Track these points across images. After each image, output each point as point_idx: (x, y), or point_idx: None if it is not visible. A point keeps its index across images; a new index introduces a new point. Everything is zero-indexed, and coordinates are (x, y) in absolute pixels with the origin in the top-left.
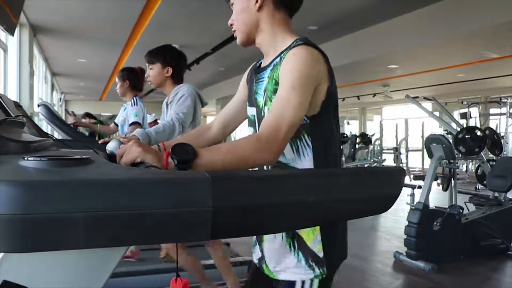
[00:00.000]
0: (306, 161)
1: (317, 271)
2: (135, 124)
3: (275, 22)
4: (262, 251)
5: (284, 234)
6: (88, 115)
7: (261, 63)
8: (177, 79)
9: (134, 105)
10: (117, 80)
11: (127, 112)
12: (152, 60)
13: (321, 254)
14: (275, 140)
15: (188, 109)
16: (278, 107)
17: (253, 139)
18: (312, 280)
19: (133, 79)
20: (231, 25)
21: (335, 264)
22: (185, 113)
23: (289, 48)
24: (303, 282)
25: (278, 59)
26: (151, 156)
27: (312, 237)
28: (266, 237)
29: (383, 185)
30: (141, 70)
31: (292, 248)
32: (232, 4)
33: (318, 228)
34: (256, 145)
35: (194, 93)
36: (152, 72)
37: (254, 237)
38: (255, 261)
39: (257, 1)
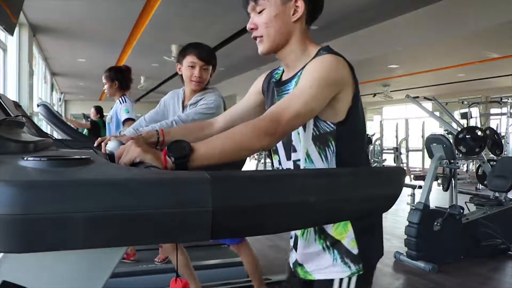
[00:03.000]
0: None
1: (353, 268)
2: (129, 120)
3: (306, 35)
4: (297, 254)
5: (316, 236)
6: (97, 109)
7: (280, 74)
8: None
9: (123, 102)
10: (104, 80)
11: (115, 110)
12: (211, 61)
13: (355, 251)
14: (275, 122)
15: (202, 118)
16: (288, 98)
17: (251, 122)
18: (349, 278)
19: (121, 79)
20: (252, 29)
21: (371, 260)
22: (193, 120)
23: (314, 58)
24: (340, 280)
25: (302, 71)
26: (150, 156)
27: (344, 235)
28: (300, 244)
29: (384, 185)
30: (127, 68)
31: (326, 248)
32: (258, 10)
33: (349, 226)
34: (253, 127)
35: (219, 104)
36: (206, 74)
37: (292, 243)
38: (291, 265)
39: (295, 11)
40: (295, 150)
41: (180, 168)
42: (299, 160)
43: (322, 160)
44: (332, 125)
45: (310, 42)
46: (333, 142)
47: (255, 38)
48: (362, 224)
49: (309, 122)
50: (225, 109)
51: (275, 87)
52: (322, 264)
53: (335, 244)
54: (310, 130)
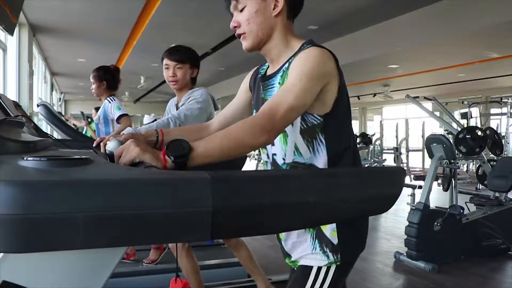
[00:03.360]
0: (320, 158)
1: (331, 258)
2: (123, 116)
3: (288, 29)
4: (283, 246)
5: None
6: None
7: (265, 70)
8: (193, 82)
9: (112, 101)
10: (92, 80)
11: (104, 110)
12: (182, 59)
13: (335, 241)
14: (271, 118)
15: (194, 112)
16: (280, 93)
17: (248, 120)
18: (327, 267)
19: (110, 79)
20: (235, 27)
21: (350, 253)
22: (187, 115)
23: (299, 52)
24: (318, 268)
25: (287, 65)
26: (149, 155)
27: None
28: (291, 234)
29: (384, 185)
30: (116, 68)
31: (310, 236)
32: (240, 7)
33: None
34: (250, 124)
35: (207, 98)
36: (181, 73)
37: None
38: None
39: (275, 6)
40: (273, 144)
41: (179, 167)
42: (275, 154)
43: (310, 152)
44: (319, 118)
45: (293, 36)
46: (320, 134)
47: (239, 36)
48: None
49: None
50: (215, 106)
51: (261, 81)
52: (303, 251)
53: (318, 233)
54: (297, 123)
